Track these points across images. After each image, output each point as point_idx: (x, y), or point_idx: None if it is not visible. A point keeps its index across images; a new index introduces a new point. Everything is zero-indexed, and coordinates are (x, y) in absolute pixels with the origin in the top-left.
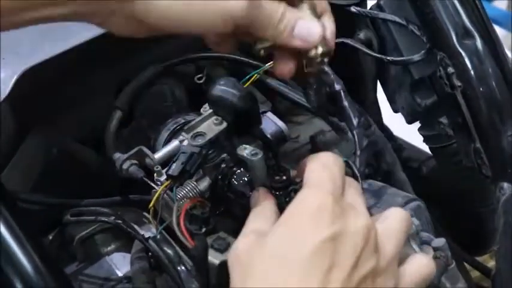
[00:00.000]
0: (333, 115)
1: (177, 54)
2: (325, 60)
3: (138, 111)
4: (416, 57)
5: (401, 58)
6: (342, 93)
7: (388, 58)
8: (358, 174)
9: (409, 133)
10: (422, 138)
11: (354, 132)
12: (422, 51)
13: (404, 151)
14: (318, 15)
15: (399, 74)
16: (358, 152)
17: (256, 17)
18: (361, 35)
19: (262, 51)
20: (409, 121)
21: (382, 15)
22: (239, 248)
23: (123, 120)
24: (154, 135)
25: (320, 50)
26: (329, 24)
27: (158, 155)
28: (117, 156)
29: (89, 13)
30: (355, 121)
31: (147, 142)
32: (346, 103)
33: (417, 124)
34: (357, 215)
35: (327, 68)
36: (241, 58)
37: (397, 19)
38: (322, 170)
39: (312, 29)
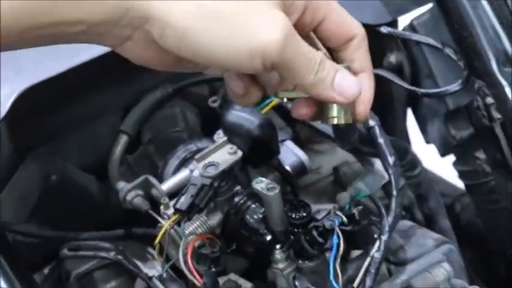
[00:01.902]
0: (368, 155)
1: (190, 75)
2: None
3: (145, 136)
4: (452, 87)
5: (436, 90)
6: (377, 130)
7: (422, 91)
8: (384, 211)
9: (442, 166)
10: (456, 173)
11: (390, 172)
12: (460, 81)
13: (436, 186)
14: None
15: (433, 103)
16: (395, 193)
17: (293, 59)
18: (392, 58)
19: (285, 99)
20: (443, 154)
21: (415, 36)
22: None
23: (128, 146)
24: (162, 163)
25: (345, 118)
26: (367, 86)
27: (166, 186)
28: (121, 185)
29: (100, 34)
30: (391, 160)
31: (154, 170)
32: (381, 140)
33: (451, 157)
34: None
35: None
36: None
37: (432, 41)
38: None
39: (352, 83)
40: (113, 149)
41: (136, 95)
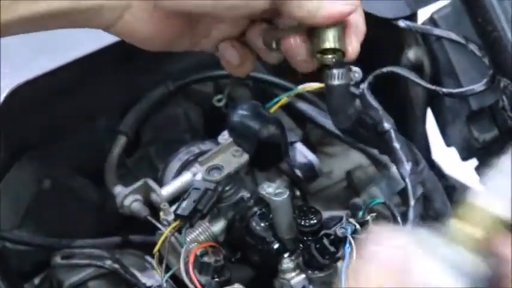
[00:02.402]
0: (372, 145)
1: (194, 72)
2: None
3: (145, 137)
4: (478, 87)
5: (460, 90)
6: (393, 133)
7: (444, 90)
8: (399, 219)
9: (464, 171)
10: (479, 179)
11: (407, 180)
12: (485, 80)
13: (456, 193)
14: None
15: (454, 103)
16: (412, 203)
17: None
18: (410, 55)
19: (274, 44)
20: (464, 158)
21: (436, 31)
22: None
23: (127, 148)
24: (162, 166)
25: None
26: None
27: (166, 190)
28: (118, 190)
29: (94, 9)
30: (407, 166)
31: (154, 174)
32: (397, 144)
33: (474, 162)
34: None
35: (374, 102)
36: (269, 77)
37: (454, 36)
38: None
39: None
40: (110, 151)
41: (136, 93)
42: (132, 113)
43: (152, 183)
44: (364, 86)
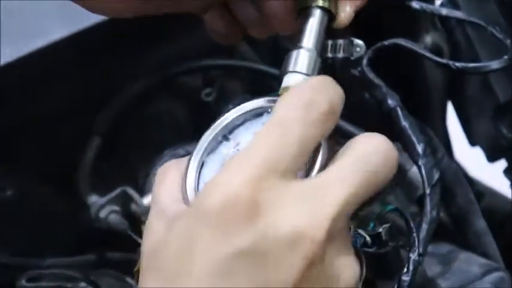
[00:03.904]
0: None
1: (179, 62)
2: None
3: (123, 138)
4: (495, 63)
5: (475, 65)
6: (399, 111)
7: (457, 65)
8: (413, 228)
9: (491, 174)
10: (508, 183)
11: (420, 163)
12: (506, 57)
13: (483, 198)
14: None
15: (478, 95)
16: (428, 190)
17: None
18: (427, 40)
19: None
20: (491, 158)
21: (455, 13)
22: None
23: (102, 151)
24: (143, 171)
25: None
26: None
27: (148, 200)
28: (93, 200)
29: None
30: (419, 148)
31: (134, 181)
32: (405, 123)
33: (502, 163)
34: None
35: (375, 79)
36: (264, 67)
37: (474, 19)
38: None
39: None
40: (83, 155)
41: (113, 88)
42: (107, 111)
43: (132, 192)
44: (364, 61)
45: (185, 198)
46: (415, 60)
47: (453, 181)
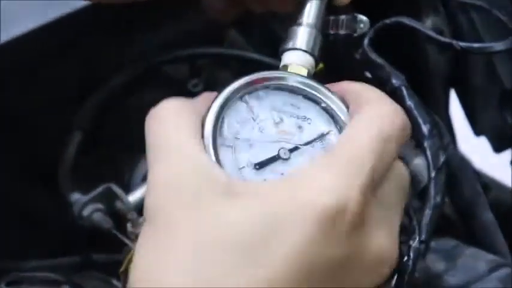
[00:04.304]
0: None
1: (164, 51)
2: None
3: (106, 132)
4: (498, 45)
5: (479, 45)
6: (405, 90)
7: (461, 44)
8: (415, 222)
9: (497, 166)
10: None
11: (425, 145)
12: (509, 39)
13: (491, 191)
14: None
15: (483, 83)
16: (433, 174)
17: None
18: (428, 23)
19: None
20: (497, 149)
21: None
22: None
23: (84, 146)
24: (129, 167)
25: None
26: None
27: (134, 197)
28: (76, 197)
29: None
30: (425, 128)
31: (119, 177)
32: (410, 103)
33: (508, 153)
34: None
35: (378, 59)
36: (256, 56)
37: (478, 2)
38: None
39: None
40: (64, 150)
41: (95, 78)
42: (89, 103)
43: (116, 189)
44: (365, 41)
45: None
46: (417, 44)
47: (459, 171)
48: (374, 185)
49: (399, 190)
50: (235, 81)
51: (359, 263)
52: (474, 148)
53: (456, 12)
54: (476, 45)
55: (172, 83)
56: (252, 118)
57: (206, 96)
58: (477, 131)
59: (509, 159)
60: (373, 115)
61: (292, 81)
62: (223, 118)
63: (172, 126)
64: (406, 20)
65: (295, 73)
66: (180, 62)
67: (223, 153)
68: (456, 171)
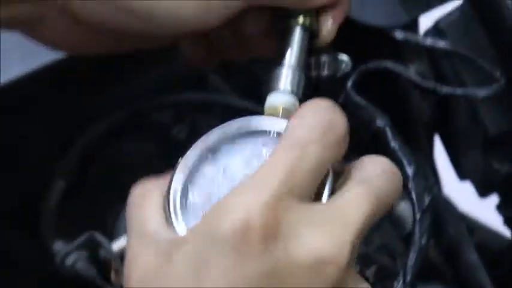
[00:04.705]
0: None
1: (147, 97)
2: None
3: (89, 179)
4: (481, 91)
5: (463, 90)
6: (388, 131)
7: (445, 89)
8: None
9: (482, 210)
10: (502, 219)
11: (410, 186)
12: (495, 85)
13: (476, 234)
14: None
15: (467, 127)
16: (418, 216)
17: None
18: (412, 69)
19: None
20: (483, 193)
21: (440, 44)
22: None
23: (67, 193)
24: (112, 215)
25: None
26: None
27: (118, 245)
28: (59, 246)
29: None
30: (410, 170)
31: (103, 225)
32: (395, 144)
33: (494, 198)
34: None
35: (361, 100)
36: (239, 102)
37: (463, 50)
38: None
39: None
40: (47, 198)
41: (78, 125)
42: (72, 151)
43: (100, 237)
44: (348, 84)
45: (169, 222)
46: (400, 88)
47: (443, 212)
48: (298, 190)
49: (355, 188)
50: (195, 143)
51: (291, 270)
52: (459, 191)
53: (440, 59)
54: (459, 90)
55: (157, 130)
56: (221, 176)
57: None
58: (462, 175)
59: (495, 203)
60: (290, 125)
61: (259, 124)
62: (188, 185)
63: (137, 207)
64: (390, 64)
65: (269, 115)
66: (164, 108)
67: (194, 219)
68: (440, 212)
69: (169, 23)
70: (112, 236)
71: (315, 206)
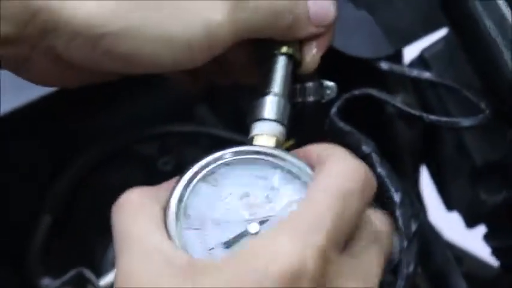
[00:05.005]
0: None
1: (133, 128)
2: None
3: (76, 214)
4: (470, 120)
5: (448, 119)
6: (375, 157)
7: (431, 117)
8: None
9: (470, 239)
10: (489, 249)
11: (397, 214)
12: (481, 116)
13: (464, 263)
14: None
15: (454, 157)
16: (405, 244)
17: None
18: (398, 99)
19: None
20: (470, 224)
21: (426, 75)
22: None
23: (54, 229)
24: (100, 250)
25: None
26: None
27: (105, 281)
28: (46, 282)
29: None
30: (397, 196)
31: (91, 260)
32: (381, 170)
33: (481, 228)
34: None
35: (346, 127)
36: (226, 134)
37: (447, 82)
38: (330, 197)
39: (326, 4)
40: (34, 234)
41: (63, 159)
42: (57, 185)
43: (88, 273)
44: (332, 111)
45: (171, 238)
46: (386, 118)
47: (430, 240)
48: (339, 241)
49: (372, 243)
50: (196, 162)
51: None
52: (446, 221)
53: (425, 89)
54: (444, 119)
55: (143, 162)
56: (217, 196)
57: (171, 182)
58: (449, 206)
59: (483, 233)
60: (331, 172)
61: (256, 153)
62: (187, 202)
63: (134, 217)
64: (375, 92)
65: (259, 144)
66: (150, 140)
67: (190, 236)
68: (427, 240)
69: (152, 66)
70: (100, 272)
71: (347, 259)
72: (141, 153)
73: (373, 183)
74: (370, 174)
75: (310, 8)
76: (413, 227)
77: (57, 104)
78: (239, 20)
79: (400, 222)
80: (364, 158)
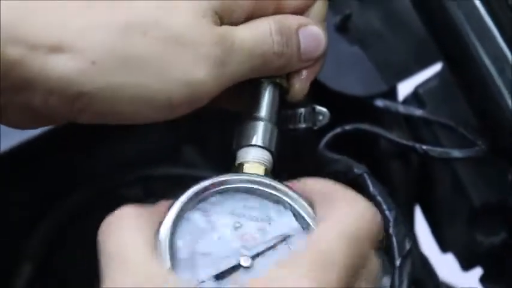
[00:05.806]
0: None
1: (118, 171)
2: None
3: (58, 262)
4: (463, 152)
5: (442, 150)
6: (367, 178)
7: (424, 147)
8: None
9: (465, 282)
10: None
11: (391, 232)
12: (476, 148)
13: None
14: None
15: (450, 198)
16: (398, 262)
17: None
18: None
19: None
20: (466, 266)
21: (420, 112)
22: None
23: (35, 276)
24: None
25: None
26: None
27: None
28: None
29: None
30: (390, 215)
31: None
32: (374, 189)
33: (478, 271)
34: None
35: (334, 155)
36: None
37: (442, 120)
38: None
39: (316, 38)
40: (14, 281)
41: (45, 203)
42: (39, 230)
43: None
44: (321, 145)
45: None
46: (378, 156)
47: (423, 271)
48: (347, 284)
49: (370, 283)
50: (188, 189)
51: None
52: (441, 262)
53: (420, 127)
54: (439, 149)
55: (127, 204)
56: (209, 227)
57: (163, 204)
58: (444, 248)
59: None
60: (342, 214)
61: (248, 182)
62: (178, 232)
63: (126, 235)
64: (367, 127)
65: (251, 173)
66: (135, 183)
67: (181, 267)
68: (420, 270)
69: (131, 121)
70: None
71: None
72: (126, 197)
73: (382, 226)
74: (379, 217)
75: (301, 43)
76: (408, 246)
77: (39, 149)
78: (224, 75)
79: (394, 240)
80: (356, 178)
